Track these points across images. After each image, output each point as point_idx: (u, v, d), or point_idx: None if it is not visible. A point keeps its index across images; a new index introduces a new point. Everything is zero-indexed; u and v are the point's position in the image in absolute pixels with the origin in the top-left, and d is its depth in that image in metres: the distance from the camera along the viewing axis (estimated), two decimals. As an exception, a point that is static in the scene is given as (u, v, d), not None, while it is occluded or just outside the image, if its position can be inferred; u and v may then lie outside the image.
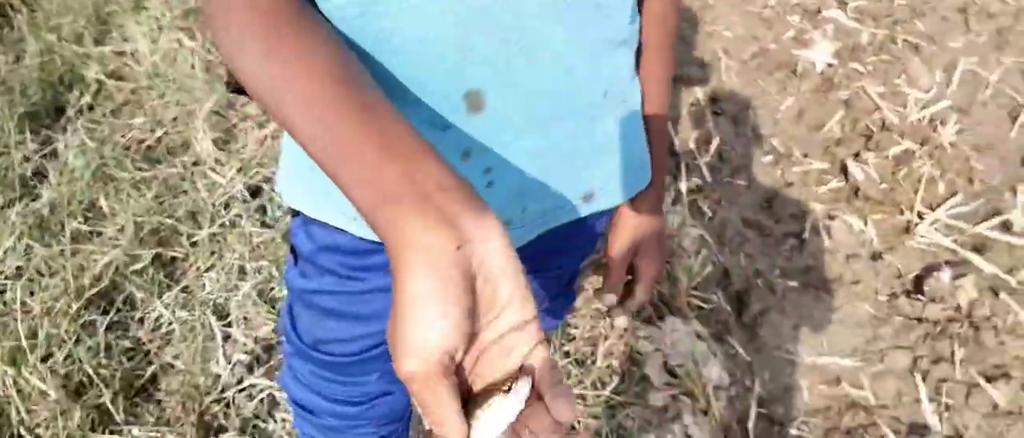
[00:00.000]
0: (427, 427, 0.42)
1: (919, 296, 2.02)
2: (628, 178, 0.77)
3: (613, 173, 0.75)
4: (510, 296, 0.42)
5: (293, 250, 0.79)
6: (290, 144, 0.74)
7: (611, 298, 0.88)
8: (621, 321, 0.87)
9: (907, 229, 2.18)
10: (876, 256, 2.14)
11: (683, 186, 2.12)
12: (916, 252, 2.12)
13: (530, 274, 0.94)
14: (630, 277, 0.88)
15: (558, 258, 0.92)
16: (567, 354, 1.62)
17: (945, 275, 2.02)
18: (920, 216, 2.19)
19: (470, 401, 0.42)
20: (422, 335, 0.38)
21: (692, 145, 2.35)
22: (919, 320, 1.98)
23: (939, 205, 2.21)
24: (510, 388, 0.41)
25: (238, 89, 0.83)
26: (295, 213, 0.76)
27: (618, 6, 0.65)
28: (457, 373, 0.41)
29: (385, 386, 0.87)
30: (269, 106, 0.48)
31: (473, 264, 0.40)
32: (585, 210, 0.75)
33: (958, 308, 1.97)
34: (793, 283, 2.07)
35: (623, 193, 0.77)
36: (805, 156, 2.40)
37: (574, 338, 1.68)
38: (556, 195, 0.71)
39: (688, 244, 1.97)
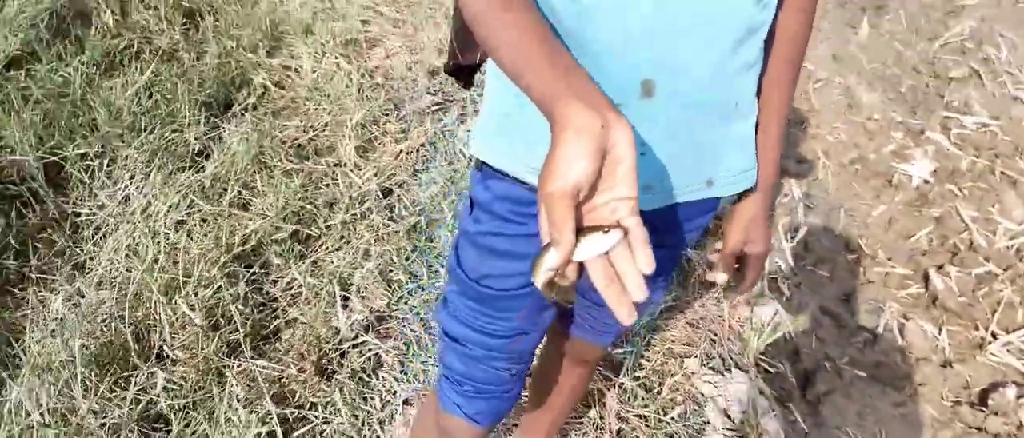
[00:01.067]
0: (545, 241, 0.63)
1: (983, 408, 2.09)
2: (741, 176, 0.99)
3: (731, 169, 0.97)
4: (624, 175, 0.63)
5: (471, 201, 1.02)
6: (488, 110, 0.97)
7: (722, 275, 1.06)
8: (718, 279, 1.06)
9: (980, 345, 2.26)
10: (946, 364, 2.22)
11: (766, 263, 2.27)
12: (986, 368, 2.19)
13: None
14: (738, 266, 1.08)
15: (673, 235, 1.09)
16: (637, 378, 1.78)
17: (1011, 392, 2.08)
18: (994, 336, 2.26)
19: (579, 232, 0.62)
20: (565, 171, 0.60)
21: (780, 229, 2.50)
22: (979, 429, 2.04)
23: (1015, 329, 2.28)
24: (609, 230, 0.62)
25: (451, 72, 1.09)
26: (479, 167, 0.99)
27: (759, 34, 0.87)
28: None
29: (525, 325, 1.06)
30: (489, 41, 0.73)
31: (607, 143, 0.62)
32: (705, 193, 0.96)
33: (1020, 426, 2.03)
34: (861, 373, 2.16)
35: (735, 187, 0.98)
36: (889, 260, 2.51)
37: (644, 368, 1.84)
38: (687, 174, 0.93)
39: (762, 313, 2.11)
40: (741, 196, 1.03)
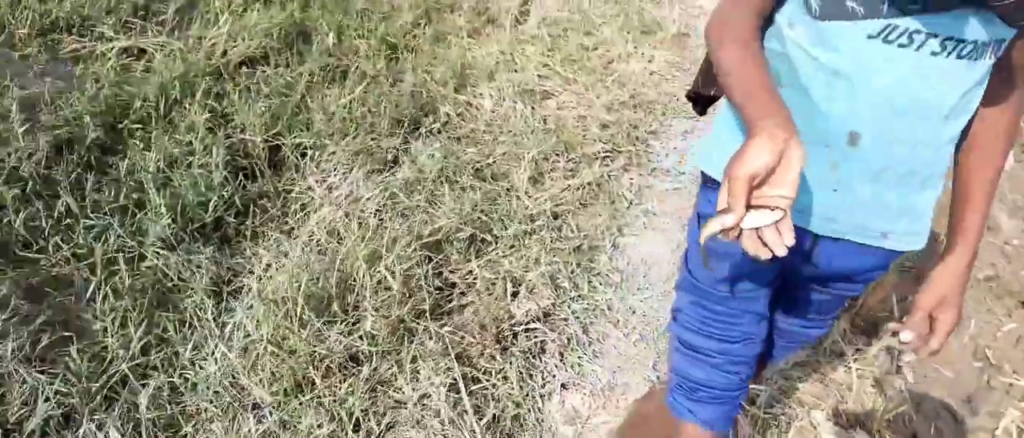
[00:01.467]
0: (720, 209, 0.87)
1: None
2: (913, 237, 1.15)
3: (907, 229, 1.14)
4: (790, 181, 0.86)
5: (698, 216, 1.25)
6: (715, 134, 1.21)
7: (909, 334, 1.16)
8: (909, 357, 1.18)
9: (1101, 465, 2.28)
10: (1064, 476, 2.26)
11: (896, 342, 2.39)
12: (1106, 486, 2.22)
13: (819, 286, 1.31)
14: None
15: (843, 276, 1.25)
16: (770, 413, 1.94)
17: None
18: (1118, 460, 2.29)
19: (747, 208, 0.87)
20: (750, 160, 0.85)
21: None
22: None
23: None
24: (774, 209, 0.86)
25: (691, 98, 1.36)
26: (704, 182, 1.23)
27: (959, 121, 1.06)
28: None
29: (752, 329, 1.26)
30: (726, 77, 1.00)
31: (784, 152, 0.86)
32: (879, 242, 1.14)
33: None
34: (977, 468, 2.23)
35: (907, 245, 1.15)
36: (1014, 373, 2.58)
37: (775, 408, 2.00)
38: (868, 221, 1.12)
39: (888, 389, 2.23)
40: (937, 265, 1.16)
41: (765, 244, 0.88)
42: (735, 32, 1.03)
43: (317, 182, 2.61)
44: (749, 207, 0.87)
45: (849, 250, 1.16)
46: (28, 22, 2.93)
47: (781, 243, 0.87)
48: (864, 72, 0.99)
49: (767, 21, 1.09)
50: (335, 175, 2.66)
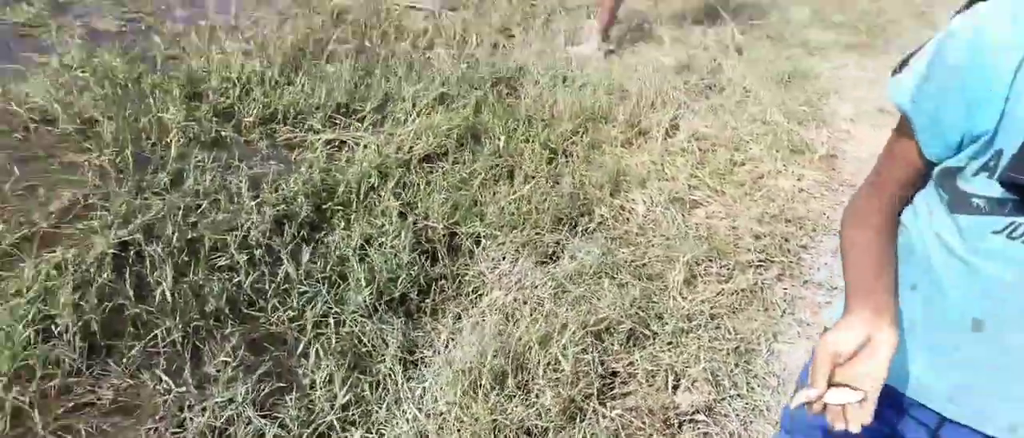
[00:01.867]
0: (809, 381, 0.98)
1: None
2: None
3: None
4: (879, 363, 0.97)
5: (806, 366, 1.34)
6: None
7: None
8: None
9: None
10: None
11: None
12: None
13: None
14: None
15: None
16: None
17: None
18: None
19: (834, 384, 0.98)
20: (835, 340, 0.97)
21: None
22: None
23: None
24: (856, 389, 0.97)
25: None
26: None
27: None
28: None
29: None
30: (842, 251, 1.14)
31: (872, 337, 0.98)
32: (1006, 435, 1.12)
33: None
34: None
35: None
36: None
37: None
38: (995, 411, 1.09)
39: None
40: None
41: (846, 421, 0.98)
42: (864, 216, 1.14)
43: (488, 269, 2.90)
44: (833, 384, 0.97)
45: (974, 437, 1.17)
46: (254, 112, 3.44)
47: (857, 425, 0.97)
48: (987, 264, 1.03)
49: (907, 202, 1.17)
50: (504, 263, 2.94)
